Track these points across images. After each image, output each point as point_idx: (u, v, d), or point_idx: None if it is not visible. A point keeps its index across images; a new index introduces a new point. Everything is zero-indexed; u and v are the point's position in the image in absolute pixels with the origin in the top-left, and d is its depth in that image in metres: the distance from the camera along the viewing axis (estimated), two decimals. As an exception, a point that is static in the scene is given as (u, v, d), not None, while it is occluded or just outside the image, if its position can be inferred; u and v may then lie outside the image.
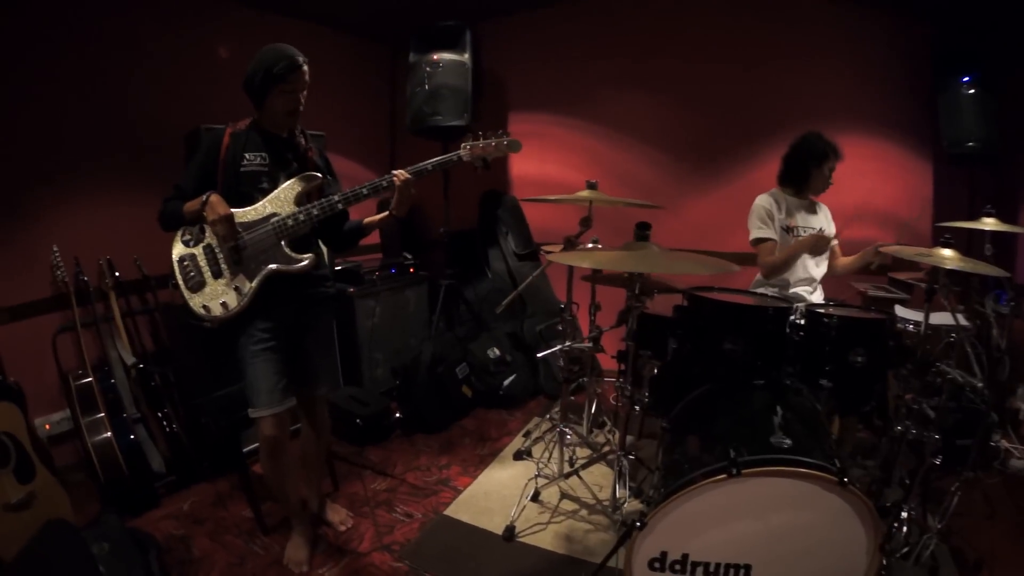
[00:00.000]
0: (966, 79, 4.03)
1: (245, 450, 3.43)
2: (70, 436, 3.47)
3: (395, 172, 2.54)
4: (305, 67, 2.46)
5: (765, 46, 4.70)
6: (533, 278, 3.81)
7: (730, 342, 2.70)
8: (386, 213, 2.64)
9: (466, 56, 4.84)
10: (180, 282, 2.52)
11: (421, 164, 2.57)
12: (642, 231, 2.78)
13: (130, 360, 3.57)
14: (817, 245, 3.34)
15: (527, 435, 4.12)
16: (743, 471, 1.97)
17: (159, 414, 3.56)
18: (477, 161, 2.65)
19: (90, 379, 3.35)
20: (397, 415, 4.29)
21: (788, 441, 2.12)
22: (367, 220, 2.74)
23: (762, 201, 3.53)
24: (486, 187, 5.53)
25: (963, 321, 3.34)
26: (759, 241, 3.48)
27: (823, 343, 2.70)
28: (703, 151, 5.03)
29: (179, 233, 2.57)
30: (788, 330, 2.74)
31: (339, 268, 4.60)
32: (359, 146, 5.52)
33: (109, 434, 3.23)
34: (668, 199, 4.81)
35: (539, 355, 3.35)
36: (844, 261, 3.68)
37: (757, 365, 2.71)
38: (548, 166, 5.45)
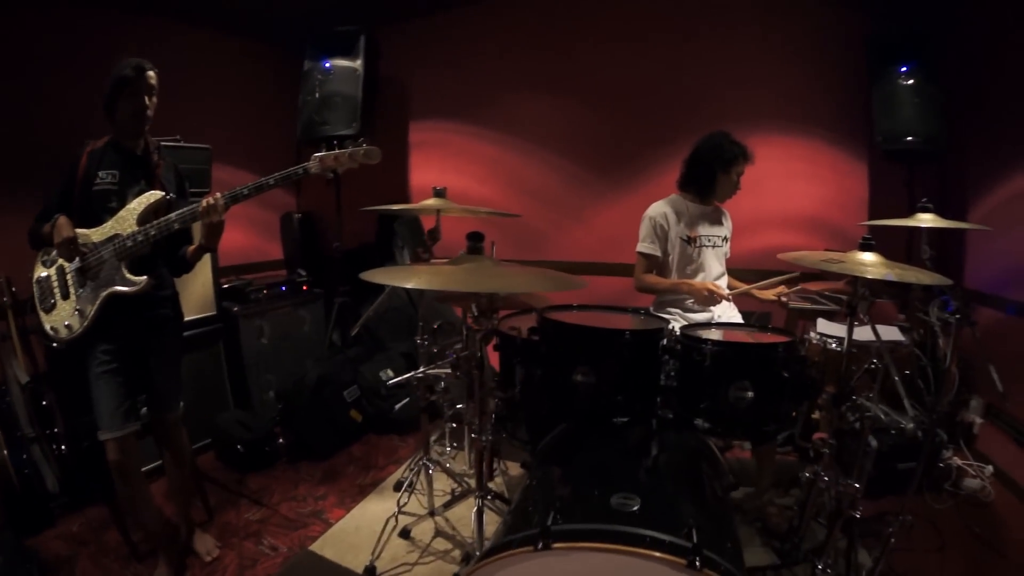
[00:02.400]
0: (904, 68, 3.42)
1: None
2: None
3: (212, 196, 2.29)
4: (151, 72, 2.30)
5: (680, 41, 4.09)
6: (380, 302, 3.28)
7: (582, 373, 1.99)
8: (196, 245, 2.44)
9: (358, 63, 4.21)
10: (37, 303, 2.40)
11: (262, 180, 2.29)
12: (474, 243, 1.97)
13: (24, 379, 3.25)
14: (707, 300, 2.81)
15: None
16: (554, 544, 1.41)
17: (48, 433, 3.21)
18: (327, 173, 2.38)
19: (-14, 397, 3.11)
20: (281, 441, 3.69)
21: (635, 503, 1.54)
22: (190, 250, 2.49)
23: (655, 211, 2.94)
24: (386, 200, 4.70)
25: (899, 336, 2.57)
26: (641, 255, 2.94)
27: (698, 374, 1.98)
28: (612, 156, 4.37)
29: (40, 254, 2.43)
30: (663, 356, 2.07)
31: (226, 287, 4.01)
32: (264, 158, 4.83)
33: (5, 452, 2.96)
34: (573, 208, 4.38)
35: (389, 383, 2.57)
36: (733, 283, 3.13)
37: (618, 400, 2.02)
38: (448, 176, 4.67)
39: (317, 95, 4.18)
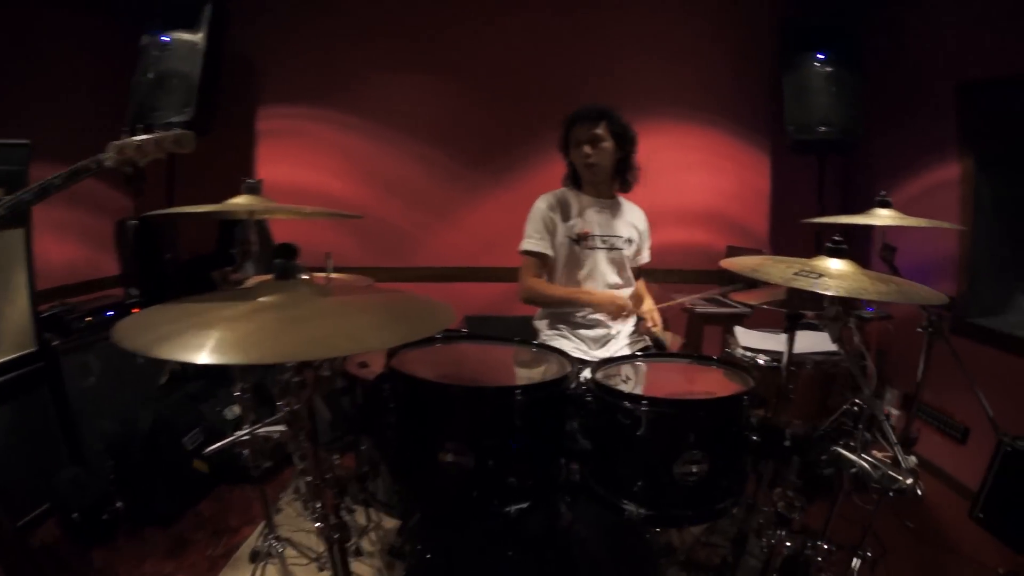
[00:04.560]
0: (821, 55, 3.16)
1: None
2: None
3: None
4: None
5: (565, 12, 3.49)
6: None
7: (453, 451, 1.21)
8: None
9: (200, 36, 3.26)
10: None
11: (46, 180, 1.67)
12: (286, 260, 1.06)
13: None
14: (615, 314, 2.13)
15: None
16: None
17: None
18: (126, 166, 1.75)
19: None
20: (119, 504, 2.76)
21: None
22: None
23: (542, 203, 2.26)
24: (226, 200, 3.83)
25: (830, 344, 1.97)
26: (526, 253, 2.23)
27: (628, 446, 1.25)
28: (486, 145, 3.69)
29: None
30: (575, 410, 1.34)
31: (44, 315, 3.01)
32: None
33: None
34: (444, 205, 3.66)
35: (207, 451, 1.91)
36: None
37: (510, 484, 1.25)
38: (302, 171, 3.77)
39: (151, 75, 3.25)
